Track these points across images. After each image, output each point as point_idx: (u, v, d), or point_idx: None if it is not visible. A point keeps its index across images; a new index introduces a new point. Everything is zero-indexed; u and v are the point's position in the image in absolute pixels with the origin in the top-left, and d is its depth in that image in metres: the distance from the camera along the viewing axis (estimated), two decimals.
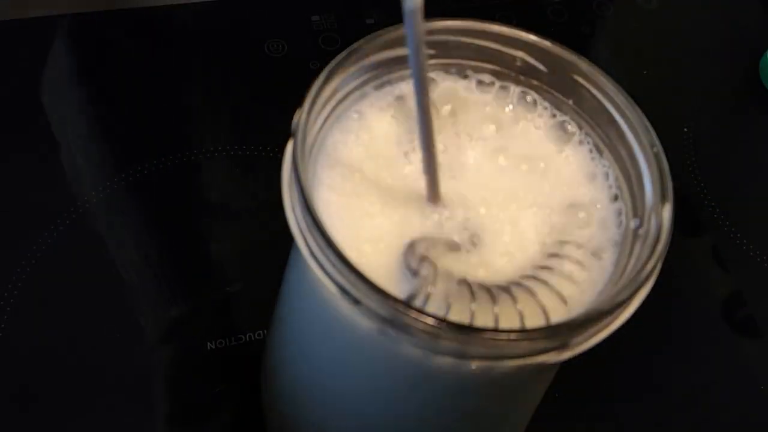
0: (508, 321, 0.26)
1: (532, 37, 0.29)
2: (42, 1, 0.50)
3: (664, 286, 0.28)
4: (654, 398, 0.43)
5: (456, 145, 0.30)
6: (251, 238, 0.45)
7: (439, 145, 0.28)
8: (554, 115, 0.31)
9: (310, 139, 0.27)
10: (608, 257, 0.28)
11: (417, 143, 0.27)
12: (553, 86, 0.30)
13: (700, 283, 0.47)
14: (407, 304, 0.23)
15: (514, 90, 0.31)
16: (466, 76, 0.31)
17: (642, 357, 0.44)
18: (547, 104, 0.31)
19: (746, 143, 0.55)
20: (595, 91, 0.29)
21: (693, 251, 0.48)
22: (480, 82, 0.31)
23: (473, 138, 0.30)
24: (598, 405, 0.42)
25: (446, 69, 0.31)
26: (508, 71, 0.31)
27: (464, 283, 0.26)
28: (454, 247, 0.27)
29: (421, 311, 0.23)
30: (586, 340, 0.25)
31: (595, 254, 0.28)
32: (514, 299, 0.26)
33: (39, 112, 0.47)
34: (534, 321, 0.26)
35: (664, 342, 0.45)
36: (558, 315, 0.26)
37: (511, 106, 0.31)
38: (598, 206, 0.29)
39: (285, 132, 0.26)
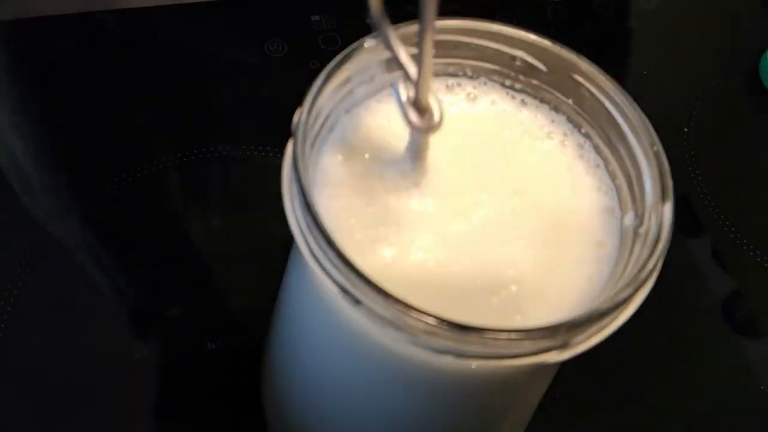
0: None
1: (531, 37, 0.29)
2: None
3: (664, 286, 0.28)
4: (654, 398, 0.43)
5: (449, 142, 0.30)
6: (251, 238, 0.45)
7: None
8: (552, 120, 0.31)
9: (310, 139, 0.27)
10: (608, 256, 0.28)
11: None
12: (553, 86, 0.30)
13: (700, 283, 0.47)
14: (408, 304, 0.23)
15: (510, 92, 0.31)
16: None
17: (642, 357, 0.44)
18: (544, 105, 0.31)
19: (746, 143, 0.55)
20: (595, 91, 0.29)
21: (693, 251, 0.48)
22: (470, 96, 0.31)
23: (468, 138, 0.30)
24: (598, 405, 0.42)
25: (445, 68, 0.31)
26: (507, 71, 0.31)
27: None
28: None
29: (421, 311, 0.23)
30: (586, 339, 0.25)
31: (595, 253, 0.28)
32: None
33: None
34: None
35: (664, 342, 0.45)
36: (558, 314, 0.26)
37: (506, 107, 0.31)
38: (598, 205, 0.29)
39: (285, 132, 0.26)
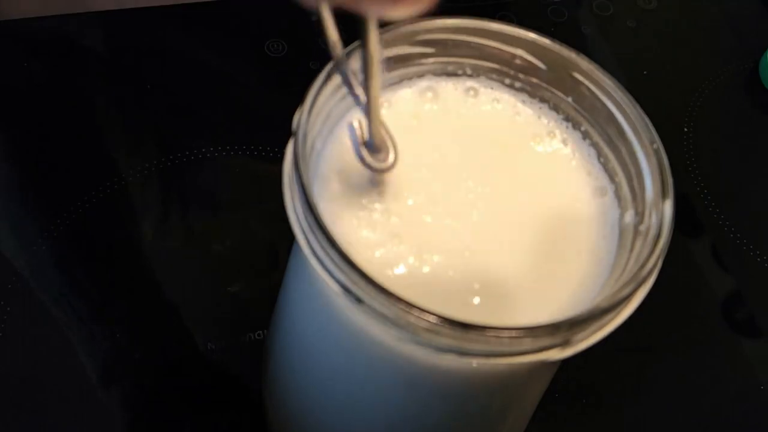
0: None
1: (531, 35, 0.29)
2: None
3: (664, 286, 0.28)
4: (654, 398, 0.43)
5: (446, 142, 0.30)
6: (252, 238, 0.45)
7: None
8: (552, 118, 0.31)
9: (310, 138, 0.27)
10: (608, 254, 0.28)
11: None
12: (553, 84, 0.30)
13: (700, 283, 0.47)
14: (410, 302, 0.23)
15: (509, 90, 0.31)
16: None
17: (642, 357, 0.44)
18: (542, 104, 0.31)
19: (746, 143, 0.55)
20: (594, 89, 0.29)
21: (693, 251, 0.48)
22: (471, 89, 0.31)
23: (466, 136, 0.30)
24: (598, 405, 0.42)
25: (444, 67, 0.31)
26: (507, 69, 0.31)
27: None
28: None
29: (423, 309, 0.23)
30: (587, 337, 0.25)
31: (595, 252, 0.28)
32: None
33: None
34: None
35: (664, 342, 0.45)
36: (558, 313, 0.26)
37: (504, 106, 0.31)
38: (598, 204, 0.29)
39: (286, 131, 0.26)
